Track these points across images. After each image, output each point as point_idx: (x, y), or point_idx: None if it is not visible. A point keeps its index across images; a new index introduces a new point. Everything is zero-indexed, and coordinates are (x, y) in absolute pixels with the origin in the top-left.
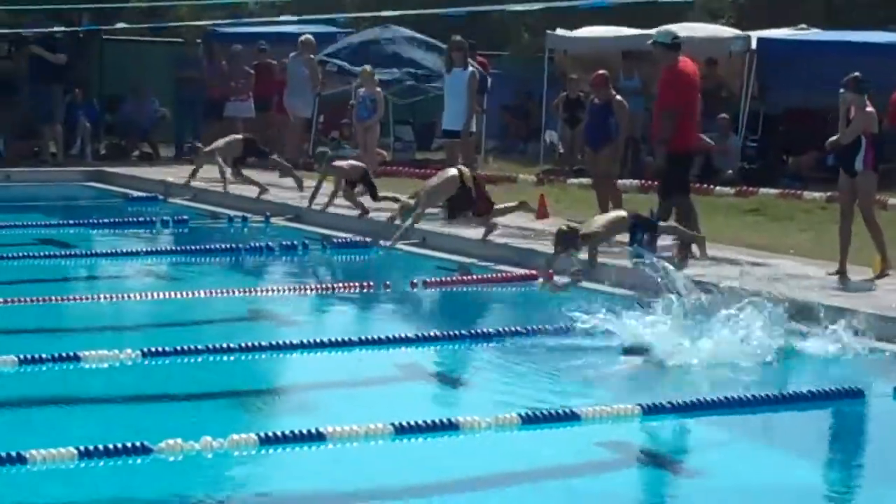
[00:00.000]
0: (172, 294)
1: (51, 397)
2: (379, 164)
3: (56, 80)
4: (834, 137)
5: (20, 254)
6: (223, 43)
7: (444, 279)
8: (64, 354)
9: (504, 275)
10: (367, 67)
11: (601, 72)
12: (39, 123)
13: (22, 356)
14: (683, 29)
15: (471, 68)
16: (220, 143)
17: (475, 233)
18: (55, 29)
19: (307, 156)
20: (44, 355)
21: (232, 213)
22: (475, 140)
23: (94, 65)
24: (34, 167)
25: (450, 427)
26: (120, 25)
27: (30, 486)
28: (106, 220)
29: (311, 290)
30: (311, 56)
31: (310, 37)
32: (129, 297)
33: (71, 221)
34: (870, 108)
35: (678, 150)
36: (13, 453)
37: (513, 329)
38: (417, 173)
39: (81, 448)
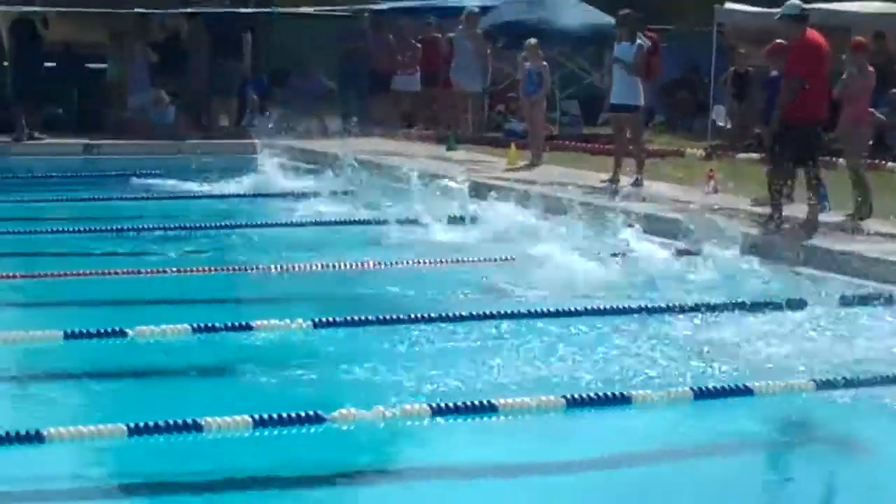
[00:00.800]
0: (341, 265)
1: (222, 365)
2: (546, 139)
3: (235, 54)
4: None
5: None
6: (393, 17)
7: None
8: (237, 324)
9: None
10: (532, 41)
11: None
12: (217, 97)
13: (196, 325)
14: (853, 5)
15: (638, 41)
16: None
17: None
18: (224, 10)
19: (476, 130)
20: (217, 324)
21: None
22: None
23: (262, 39)
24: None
25: None
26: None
27: (206, 452)
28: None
29: None
30: (477, 30)
31: (474, 9)
32: (300, 267)
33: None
34: None
35: (794, 120)
36: (189, 421)
37: None
38: (584, 148)
39: (256, 416)
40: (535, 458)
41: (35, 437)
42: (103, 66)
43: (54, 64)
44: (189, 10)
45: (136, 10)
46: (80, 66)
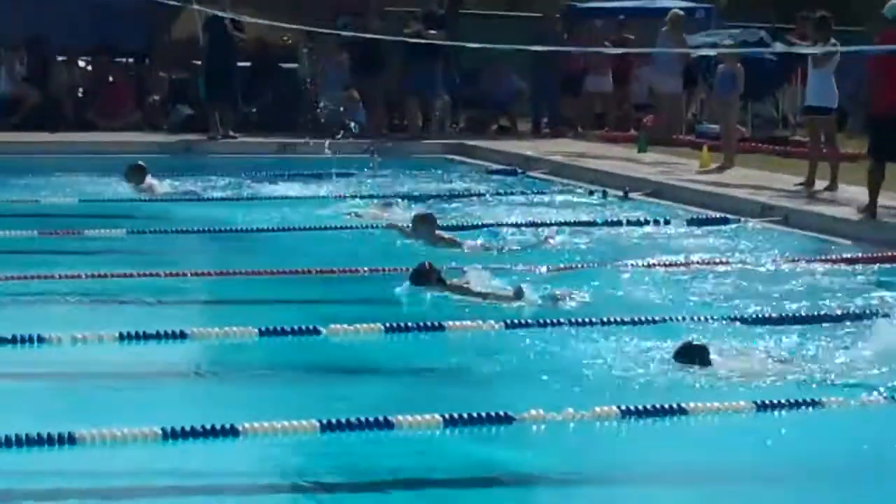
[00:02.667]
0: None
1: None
2: (738, 141)
3: (432, 55)
4: None
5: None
6: (583, 17)
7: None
8: (429, 323)
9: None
10: (678, 12)
11: None
12: (409, 97)
13: (387, 324)
14: None
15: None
16: None
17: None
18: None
19: (677, 132)
20: (409, 324)
21: (591, 187)
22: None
23: (454, 39)
24: (398, 140)
25: None
26: None
27: (395, 450)
28: (467, 192)
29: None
30: (681, 33)
31: (679, 12)
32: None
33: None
34: None
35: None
36: (380, 418)
37: None
38: (777, 150)
39: (446, 415)
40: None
41: (230, 431)
42: (294, 65)
43: (249, 64)
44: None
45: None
46: (275, 66)
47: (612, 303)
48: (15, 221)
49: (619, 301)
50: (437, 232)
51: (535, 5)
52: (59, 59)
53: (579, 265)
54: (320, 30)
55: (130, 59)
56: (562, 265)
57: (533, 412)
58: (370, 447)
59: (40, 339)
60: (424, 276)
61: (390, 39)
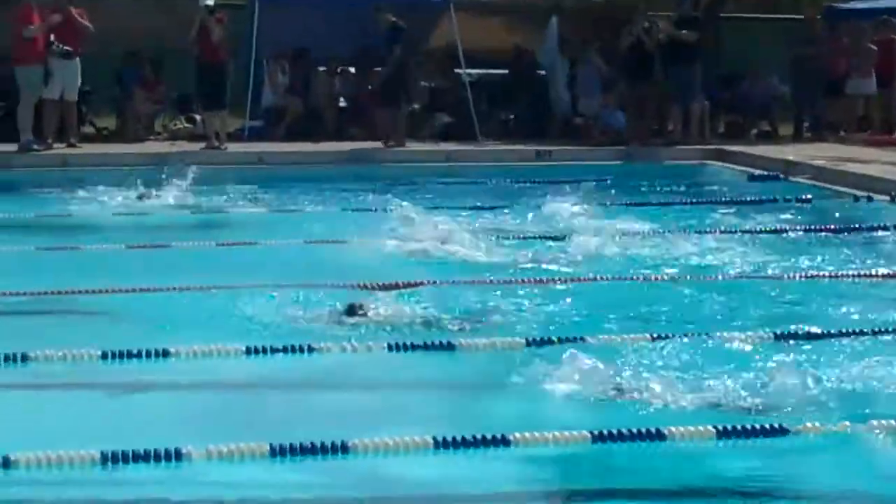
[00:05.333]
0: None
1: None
2: None
3: (692, 59)
4: None
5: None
6: (847, 18)
7: None
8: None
9: None
10: None
11: None
12: (666, 102)
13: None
14: None
15: None
16: None
17: None
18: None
19: None
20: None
21: (857, 192)
22: None
23: (711, 43)
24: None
25: None
26: None
27: (668, 461)
28: (727, 199)
29: None
30: None
31: None
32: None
33: (690, 200)
34: None
35: None
36: (652, 429)
37: None
38: None
39: (720, 427)
40: None
41: (501, 441)
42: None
43: (507, 71)
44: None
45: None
46: (531, 72)
47: None
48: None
49: None
50: None
51: (797, 7)
52: (320, 69)
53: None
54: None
55: None
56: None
57: (809, 424)
58: (639, 459)
59: None
60: None
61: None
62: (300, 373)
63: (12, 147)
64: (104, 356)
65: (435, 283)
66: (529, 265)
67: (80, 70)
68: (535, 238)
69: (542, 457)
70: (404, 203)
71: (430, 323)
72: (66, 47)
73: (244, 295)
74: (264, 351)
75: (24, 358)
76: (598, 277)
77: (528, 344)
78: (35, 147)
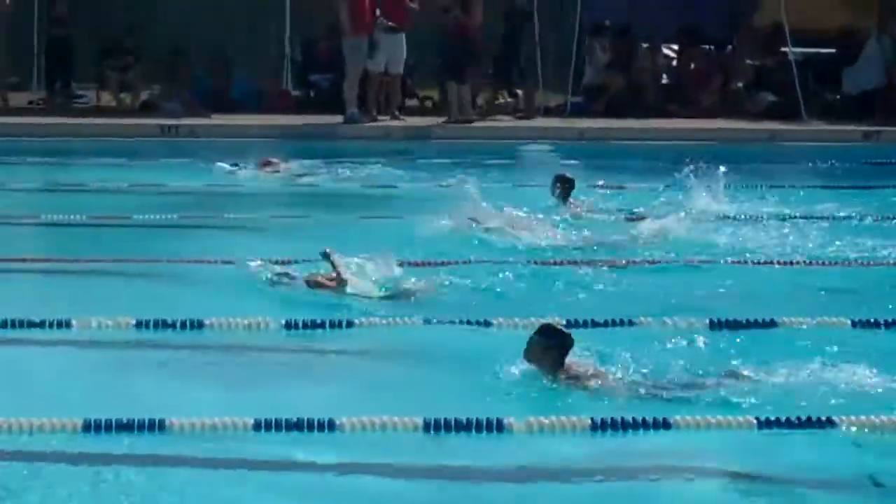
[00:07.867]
0: None
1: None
2: None
3: None
4: None
5: None
6: None
7: None
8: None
9: None
10: None
11: None
12: None
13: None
14: None
15: None
16: None
17: None
18: None
19: None
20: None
21: None
22: None
23: None
24: None
25: None
26: None
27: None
28: None
29: None
30: None
31: None
32: None
33: None
34: None
35: None
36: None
37: None
38: None
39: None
40: None
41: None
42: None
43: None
44: None
45: None
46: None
47: None
48: None
49: None
50: None
51: None
52: (644, 45)
53: None
54: None
55: (713, 47)
56: None
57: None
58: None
59: None
60: None
61: None
62: None
63: (338, 119)
64: None
65: None
66: None
67: (404, 45)
68: None
69: None
70: None
71: None
72: (390, 23)
73: None
74: None
75: None
76: None
77: None
78: (360, 119)
